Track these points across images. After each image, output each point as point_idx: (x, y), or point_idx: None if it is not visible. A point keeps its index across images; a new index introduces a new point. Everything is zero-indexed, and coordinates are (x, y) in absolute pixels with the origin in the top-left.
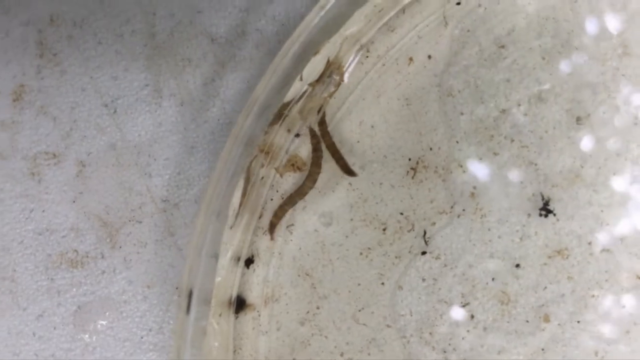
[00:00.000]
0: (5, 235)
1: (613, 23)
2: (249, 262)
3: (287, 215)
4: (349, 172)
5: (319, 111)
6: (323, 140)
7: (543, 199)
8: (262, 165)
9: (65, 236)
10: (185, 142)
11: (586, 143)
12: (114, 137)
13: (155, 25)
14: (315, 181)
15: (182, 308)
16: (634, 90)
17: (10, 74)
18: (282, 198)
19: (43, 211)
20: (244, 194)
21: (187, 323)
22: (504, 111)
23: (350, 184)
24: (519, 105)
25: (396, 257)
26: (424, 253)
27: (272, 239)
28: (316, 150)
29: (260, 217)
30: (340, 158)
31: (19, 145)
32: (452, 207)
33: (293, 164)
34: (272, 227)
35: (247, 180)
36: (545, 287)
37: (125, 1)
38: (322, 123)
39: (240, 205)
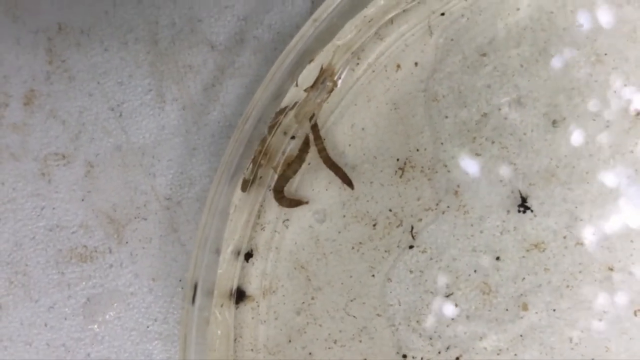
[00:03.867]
0: (17, 231)
1: (587, 33)
2: (249, 256)
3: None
4: (349, 183)
5: (311, 118)
6: (318, 149)
7: (521, 196)
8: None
9: (74, 232)
10: (187, 143)
11: (561, 145)
12: (119, 139)
13: (158, 33)
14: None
15: (187, 299)
16: (606, 95)
17: (21, 79)
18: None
19: (53, 209)
20: (258, 153)
21: (192, 313)
22: (485, 115)
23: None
24: (499, 109)
25: (385, 251)
26: (411, 247)
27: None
28: (302, 151)
29: (258, 214)
30: (339, 170)
31: (30, 146)
32: (437, 204)
33: (289, 164)
34: (279, 195)
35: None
36: (524, 278)
37: (129, 11)
38: (315, 126)
39: (254, 162)
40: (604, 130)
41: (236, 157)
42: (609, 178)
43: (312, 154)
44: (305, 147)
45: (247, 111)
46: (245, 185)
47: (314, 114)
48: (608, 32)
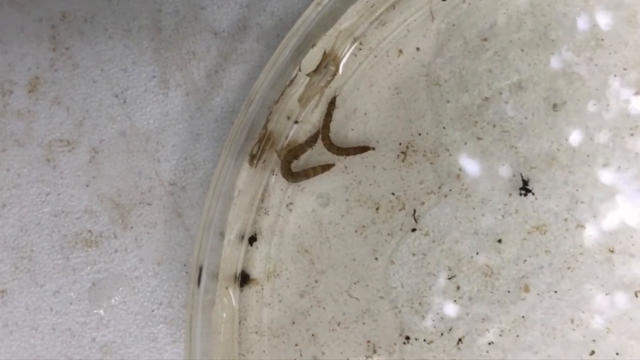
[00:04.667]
0: (23, 217)
1: (587, 18)
2: (253, 240)
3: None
4: (366, 149)
5: (331, 103)
6: (334, 152)
7: (523, 179)
8: (264, 150)
9: (79, 218)
10: (191, 129)
11: (562, 128)
12: (124, 126)
13: (161, 21)
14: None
15: (193, 281)
16: (606, 79)
17: (26, 67)
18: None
19: (58, 194)
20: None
21: (197, 295)
22: (486, 99)
23: (345, 167)
24: (501, 93)
25: (388, 234)
26: (414, 230)
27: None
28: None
29: (262, 198)
30: (349, 150)
31: (34, 133)
32: (439, 187)
33: (292, 148)
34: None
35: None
36: (525, 260)
37: None
38: (329, 114)
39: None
40: (605, 113)
41: (240, 141)
42: (609, 161)
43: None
44: (312, 140)
45: (250, 95)
46: (252, 160)
47: (333, 103)
48: (608, 16)
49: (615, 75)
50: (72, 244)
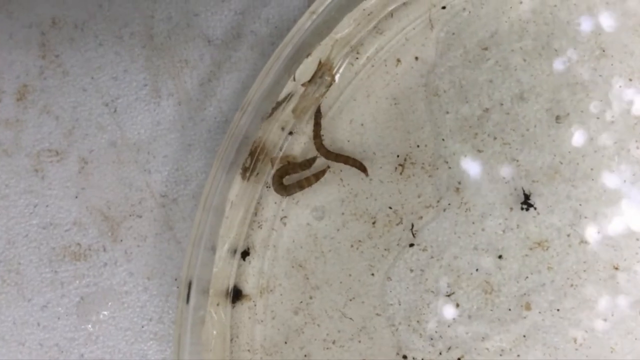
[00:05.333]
0: (10, 229)
1: (591, 26)
2: (245, 254)
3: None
4: (363, 169)
5: (316, 114)
6: (323, 154)
7: (524, 193)
8: (258, 160)
9: (68, 230)
10: (183, 139)
11: (565, 140)
12: (114, 135)
13: (154, 27)
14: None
15: (182, 298)
16: (611, 90)
17: (14, 75)
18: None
19: (47, 206)
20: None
21: (186, 312)
22: (487, 110)
23: (341, 179)
24: (502, 104)
25: (385, 249)
26: (411, 245)
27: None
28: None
29: (255, 211)
30: (348, 159)
31: (23, 143)
32: (438, 201)
33: (289, 162)
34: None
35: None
36: (527, 277)
37: (124, 5)
38: (317, 125)
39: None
40: (609, 126)
41: (232, 152)
42: (613, 175)
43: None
44: (307, 164)
45: (242, 106)
46: (245, 173)
47: (319, 112)
48: (613, 25)
49: (620, 86)
50: (61, 257)
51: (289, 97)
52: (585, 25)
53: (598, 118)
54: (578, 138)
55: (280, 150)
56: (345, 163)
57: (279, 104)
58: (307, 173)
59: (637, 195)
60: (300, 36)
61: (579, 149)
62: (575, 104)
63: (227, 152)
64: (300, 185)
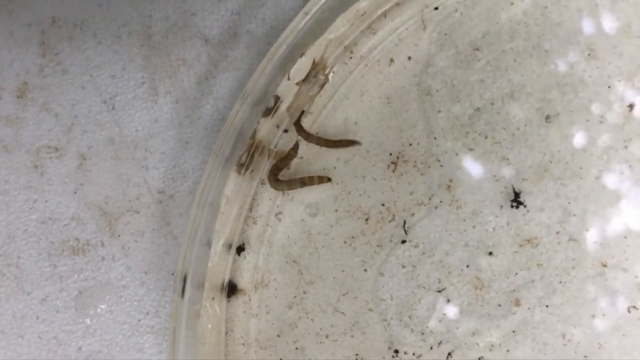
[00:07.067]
0: (10, 224)
1: (581, 28)
2: (240, 249)
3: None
4: (352, 143)
5: (299, 116)
6: (304, 137)
7: (514, 191)
8: (253, 158)
9: (67, 225)
10: (180, 137)
11: (555, 140)
12: (112, 132)
13: (151, 27)
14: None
15: (177, 292)
16: (600, 90)
17: (14, 72)
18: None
19: (46, 201)
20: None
21: (182, 306)
22: (478, 109)
23: (335, 177)
24: (492, 104)
25: (378, 246)
26: (403, 242)
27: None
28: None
29: (250, 207)
30: (335, 142)
31: (22, 139)
32: (430, 199)
33: (279, 160)
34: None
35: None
36: (516, 274)
37: (123, 4)
38: (297, 123)
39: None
40: (598, 125)
41: (227, 149)
42: (602, 174)
43: (305, 147)
44: (293, 151)
45: (237, 103)
46: (240, 169)
47: (302, 113)
48: (602, 26)
49: (609, 87)
50: (59, 252)
51: (283, 97)
52: (576, 26)
53: (587, 118)
54: (567, 137)
55: (275, 147)
56: (335, 146)
57: (273, 102)
58: (306, 170)
59: (626, 194)
60: (294, 36)
61: (568, 148)
62: (565, 104)
63: (222, 149)
64: (302, 182)
